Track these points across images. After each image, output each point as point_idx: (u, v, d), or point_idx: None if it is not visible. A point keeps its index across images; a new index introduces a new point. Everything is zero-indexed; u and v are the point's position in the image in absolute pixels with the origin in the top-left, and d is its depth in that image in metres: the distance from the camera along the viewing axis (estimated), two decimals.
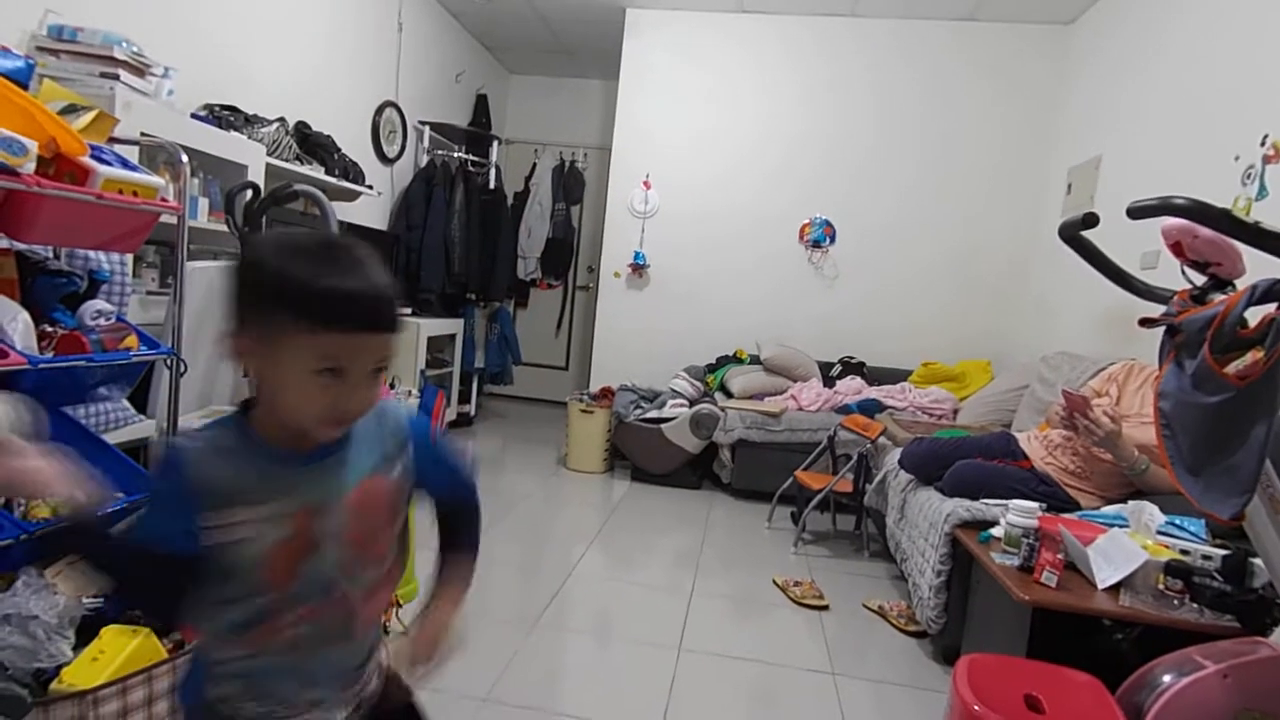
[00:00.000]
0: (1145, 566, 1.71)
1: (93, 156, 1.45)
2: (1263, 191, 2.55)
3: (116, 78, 2.21)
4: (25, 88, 1.45)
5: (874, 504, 3.16)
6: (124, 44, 2.26)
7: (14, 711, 1.12)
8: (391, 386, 3.96)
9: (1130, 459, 2.19)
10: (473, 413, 5.30)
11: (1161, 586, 1.70)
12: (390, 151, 4.62)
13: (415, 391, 4.19)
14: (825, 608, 2.66)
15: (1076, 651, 1.60)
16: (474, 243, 4.97)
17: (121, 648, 1.28)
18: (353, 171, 3.75)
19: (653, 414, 4.21)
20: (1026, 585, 1.75)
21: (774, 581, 2.84)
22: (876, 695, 2.12)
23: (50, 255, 1.70)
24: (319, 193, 2.50)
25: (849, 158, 4.73)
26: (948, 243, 4.65)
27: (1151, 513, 1.97)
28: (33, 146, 1.30)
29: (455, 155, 5.01)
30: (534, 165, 6.08)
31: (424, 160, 4.93)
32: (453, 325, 4.92)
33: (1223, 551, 1.73)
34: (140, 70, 2.31)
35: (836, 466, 3.48)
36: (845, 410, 3.96)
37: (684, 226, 4.91)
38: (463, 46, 5.49)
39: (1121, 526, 1.97)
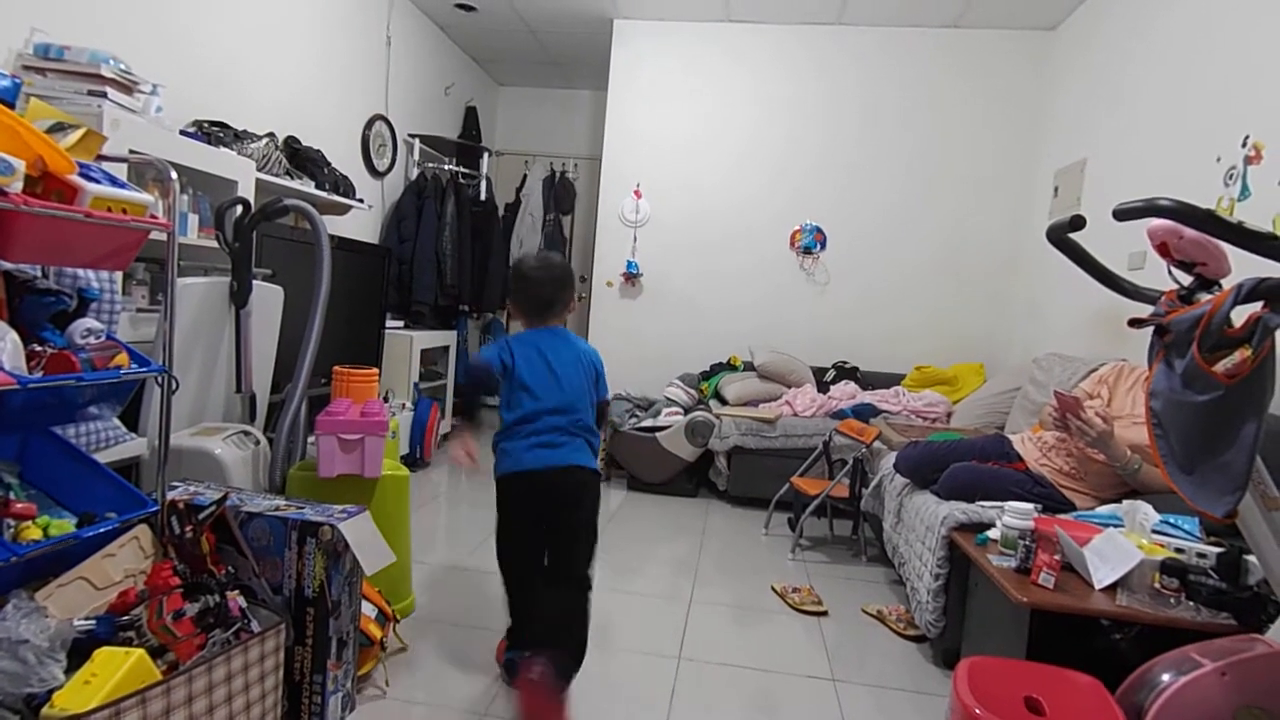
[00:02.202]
0: (1141, 566, 1.71)
1: (81, 175, 1.44)
2: (1245, 192, 2.57)
3: (104, 95, 2.20)
4: (12, 107, 1.45)
5: (871, 508, 3.16)
6: (111, 61, 2.26)
7: None
8: (386, 399, 3.95)
9: (1123, 459, 2.20)
10: None
11: (1158, 585, 1.71)
12: (380, 165, 4.63)
13: (409, 404, 4.18)
14: (824, 613, 2.66)
15: (1075, 652, 1.61)
16: (466, 254, 4.97)
17: (114, 670, 1.26)
18: (343, 185, 3.75)
19: (648, 422, 4.20)
20: (1024, 587, 1.75)
21: (772, 588, 2.84)
22: (877, 700, 2.11)
23: (39, 274, 1.69)
24: (309, 207, 2.50)
25: (838, 164, 4.76)
26: (937, 246, 4.68)
27: (1146, 512, 1.98)
28: (20, 165, 1.29)
29: (446, 167, 5.02)
30: (525, 176, 6.09)
31: (414, 173, 4.94)
32: (446, 337, 4.91)
33: (1217, 549, 1.74)
34: (128, 87, 2.31)
35: (832, 472, 3.49)
36: (840, 415, 3.96)
37: (676, 235, 4.92)
38: (451, 59, 5.50)
39: (1117, 526, 1.98)
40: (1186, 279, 1.36)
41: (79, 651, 1.32)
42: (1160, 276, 1.44)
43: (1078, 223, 1.48)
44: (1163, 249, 1.36)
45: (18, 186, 1.29)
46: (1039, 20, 4.37)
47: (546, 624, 1.88)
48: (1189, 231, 1.27)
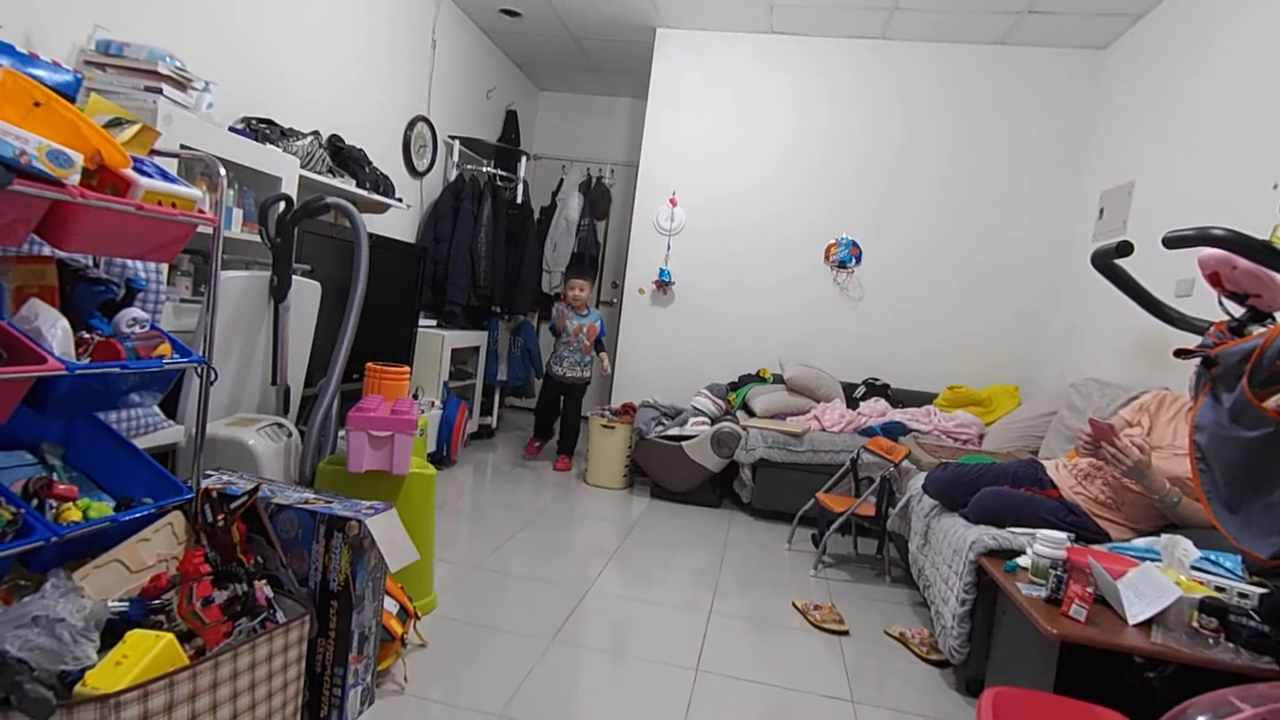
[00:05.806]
0: (1178, 603, 1.66)
1: (135, 169, 1.48)
2: None
3: (159, 91, 2.27)
4: (73, 101, 1.49)
5: (896, 529, 3.11)
6: (168, 59, 2.33)
7: (39, 713, 1.13)
8: (415, 396, 3.99)
9: (1161, 490, 2.14)
10: (494, 425, 5.33)
11: (1195, 624, 1.65)
12: (420, 165, 4.69)
13: (438, 402, 4.22)
14: (845, 633, 2.62)
15: (1105, 688, 1.56)
16: (500, 257, 5.01)
17: (144, 653, 1.29)
18: (383, 184, 3.81)
19: (674, 431, 4.19)
20: (1054, 618, 1.71)
21: (793, 604, 2.81)
22: None
23: (90, 263, 1.74)
24: (350, 206, 2.54)
25: (877, 178, 4.72)
26: (976, 266, 4.61)
27: (1185, 547, 1.92)
28: (78, 159, 1.33)
29: (484, 170, 5.07)
30: (561, 181, 6.13)
31: (453, 174, 5.00)
32: (477, 337, 4.95)
33: (1260, 590, 1.68)
34: (182, 84, 2.38)
35: (859, 489, 3.44)
36: (869, 432, 3.92)
37: (709, 244, 4.92)
38: (494, 63, 5.57)
39: (1153, 560, 1.92)
40: (1238, 310, 1.32)
41: (111, 631, 1.35)
42: (1208, 303, 1.40)
43: (1125, 249, 1.45)
44: (1214, 279, 1.32)
45: (75, 179, 1.33)
46: (1090, 39, 4.29)
47: (564, 435, 4.66)
48: (1243, 262, 1.23)
